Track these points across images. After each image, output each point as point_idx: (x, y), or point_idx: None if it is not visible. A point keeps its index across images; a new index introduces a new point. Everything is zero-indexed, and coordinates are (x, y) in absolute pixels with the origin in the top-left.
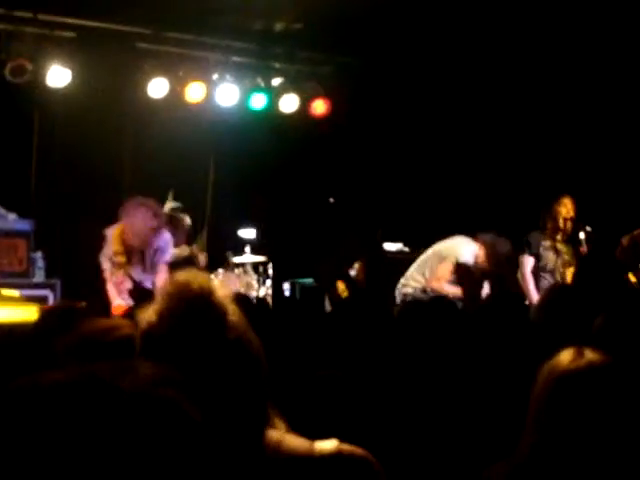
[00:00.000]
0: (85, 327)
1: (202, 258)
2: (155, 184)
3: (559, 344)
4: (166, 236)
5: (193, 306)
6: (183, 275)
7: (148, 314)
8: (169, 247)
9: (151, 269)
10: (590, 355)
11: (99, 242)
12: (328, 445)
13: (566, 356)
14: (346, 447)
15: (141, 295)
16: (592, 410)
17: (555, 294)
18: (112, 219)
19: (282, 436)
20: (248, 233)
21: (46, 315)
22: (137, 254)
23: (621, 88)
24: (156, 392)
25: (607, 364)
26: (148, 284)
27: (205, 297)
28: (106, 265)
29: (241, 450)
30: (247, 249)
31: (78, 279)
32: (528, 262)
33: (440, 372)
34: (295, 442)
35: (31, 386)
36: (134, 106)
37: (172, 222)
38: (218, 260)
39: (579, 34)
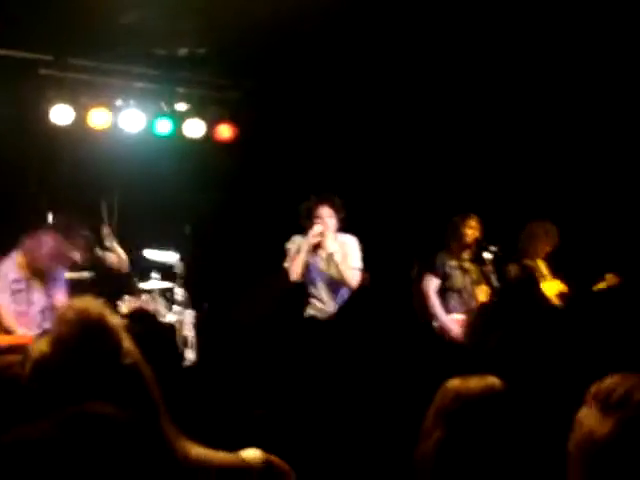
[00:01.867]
0: None
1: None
2: (59, 212)
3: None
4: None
5: (88, 333)
6: (79, 302)
7: (40, 344)
8: (63, 274)
9: (52, 296)
10: (492, 381)
11: None
12: (255, 455)
13: (472, 381)
14: (272, 457)
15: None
16: (496, 436)
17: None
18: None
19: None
20: (154, 255)
21: None
22: (37, 281)
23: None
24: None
25: (508, 390)
26: (49, 315)
27: (100, 323)
28: (3, 298)
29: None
30: (154, 275)
31: None
32: (432, 282)
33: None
34: (222, 455)
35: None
36: (39, 134)
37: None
38: (124, 286)
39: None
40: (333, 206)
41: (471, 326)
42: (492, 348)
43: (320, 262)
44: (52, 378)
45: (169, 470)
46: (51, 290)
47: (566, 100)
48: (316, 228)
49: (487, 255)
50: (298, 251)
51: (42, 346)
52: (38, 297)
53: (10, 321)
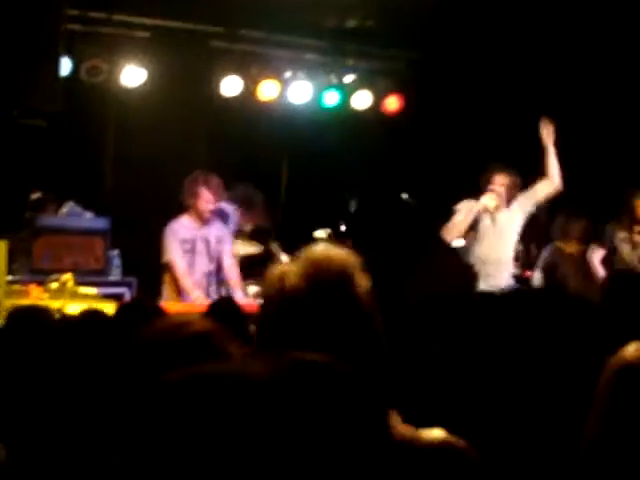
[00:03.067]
0: (160, 323)
1: (283, 258)
2: (230, 182)
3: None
4: (224, 228)
5: (337, 278)
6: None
7: (291, 278)
8: (228, 237)
9: (215, 260)
10: None
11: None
12: (434, 435)
13: (630, 348)
14: (453, 439)
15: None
16: None
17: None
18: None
19: (394, 421)
20: (322, 233)
21: (123, 310)
22: (202, 243)
23: None
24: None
25: None
26: (213, 281)
27: (347, 272)
28: (176, 255)
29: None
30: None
31: (154, 277)
32: (597, 253)
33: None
34: (403, 429)
35: (189, 378)
36: (208, 104)
37: (246, 201)
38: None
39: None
40: (510, 176)
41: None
42: None
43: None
44: (299, 313)
45: (381, 441)
46: (215, 253)
47: None
48: (490, 195)
49: None
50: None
51: (294, 280)
52: (202, 261)
53: (187, 282)
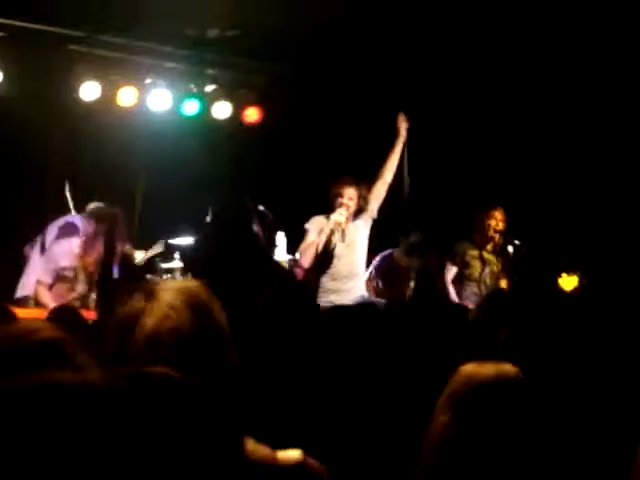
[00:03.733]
0: (6, 328)
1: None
2: (83, 190)
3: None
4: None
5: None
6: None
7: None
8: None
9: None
10: (505, 368)
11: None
12: (291, 456)
13: (487, 367)
14: (309, 460)
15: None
16: (502, 422)
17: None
18: (41, 227)
19: (251, 444)
20: (179, 241)
21: None
22: (85, 272)
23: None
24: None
25: (524, 378)
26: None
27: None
28: (45, 277)
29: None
30: (176, 255)
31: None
32: (450, 270)
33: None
34: (257, 448)
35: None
36: (65, 109)
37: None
38: (147, 267)
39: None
40: (358, 189)
41: (481, 312)
42: (503, 342)
43: (340, 248)
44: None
45: (232, 457)
46: (93, 289)
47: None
48: (340, 211)
49: (510, 249)
50: (318, 233)
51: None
52: (80, 287)
53: (46, 298)
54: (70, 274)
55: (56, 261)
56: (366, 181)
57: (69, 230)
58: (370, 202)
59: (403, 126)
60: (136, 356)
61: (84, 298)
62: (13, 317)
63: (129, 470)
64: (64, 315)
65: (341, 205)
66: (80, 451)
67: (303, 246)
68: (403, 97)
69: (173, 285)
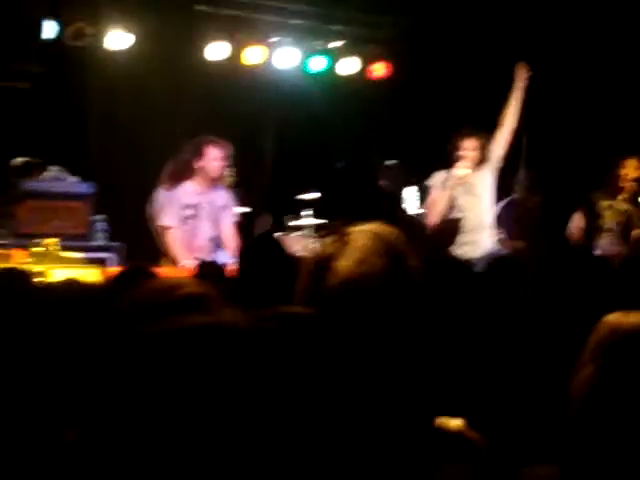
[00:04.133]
0: (149, 286)
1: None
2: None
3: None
4: (229, 194)
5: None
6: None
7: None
8: (232, 206)
9: (218, 227)
10: None
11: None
12: (453, 423)
13: (633, 316)
14: (470, 431)
15: (210, 273)
16: None
17: None
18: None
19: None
20: (310, 197)
21: (115, 276)
22: (207, 208)
23: None
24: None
25: None
26: (216, 245)
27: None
28: (172, 222)
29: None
30: (306, 212)
31: (140, 243)
32: (576, 219)
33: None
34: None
35: (163, 331)
36: (194, 69)
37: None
38: (277, 223)
39: None
40: (479, 139)
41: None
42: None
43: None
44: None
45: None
46: (219, 219)
47: None
48: (463, 163)
49: None
50: (441, 186)
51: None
52: (206, 225)
53: (177, 250)
54: (192, 212)
55: (178, 199)
56: (486, 131)
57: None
58: (494, 150)
59: (522, 73)
60: (329, 299)
61: (212, 241)
62: (152, 275)
63: (274, 411)
64: (209, 270)
65: (462, 158)
66: (223, 392)
67: (427, 203)
68: (524, 47)
69: (369, 228)
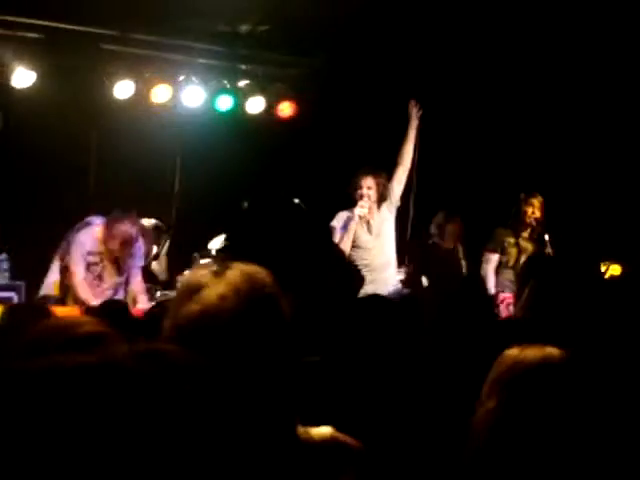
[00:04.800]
0: (47, 323)
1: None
2: (121, 187)
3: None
4: (139, 243)
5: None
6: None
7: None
8: (141, 252)
9: (123, 273)
10: (550, 351)
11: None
12: (324, 431)
13: (532, 350)
14: (341, 435)
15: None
16: (549, 407)
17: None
18: (77, 222)
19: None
20: (215, 244)
21: (11, 312)
22: (111, 258)
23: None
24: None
25: (566, 359)
26: (121, 291)
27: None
28: (77, 267)
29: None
30: (213, 249)
31: (43, 281)
32: (493, 259)
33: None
34: (301, 430)
35: (52, 369)
36: (100, 108)
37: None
38: (185, 262)
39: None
40: (376, 177)
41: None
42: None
43: (370, 240)
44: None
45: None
46: (125, 267)
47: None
48: (361, 204)
49: (547, 237)
50: (343, 227)
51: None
52: (111, 273)
53: (85, 292)
54: (96, 259)
55: (83, 245)
56: (383, 170)
57: (90, 223)
58: (393, 189)
59: (414, 112)
60: (187, 324)
61: (117, 286)
62: (50, 314)
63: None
64: (110, 310)
65: (362, 197)
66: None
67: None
68: (428, 87)
69: (244, 268)
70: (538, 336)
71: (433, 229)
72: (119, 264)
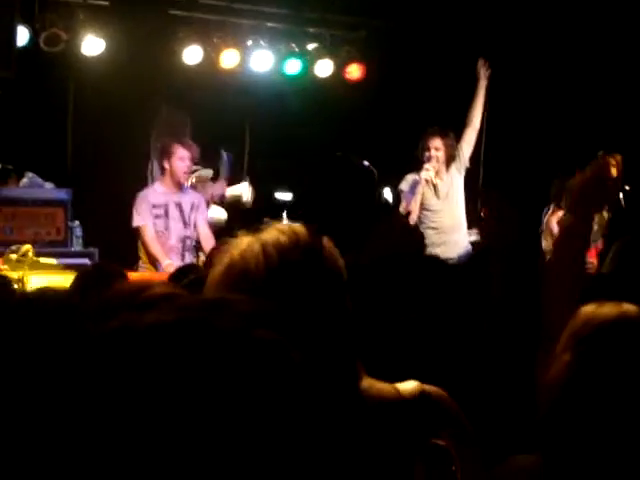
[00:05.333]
0: (118, 286)
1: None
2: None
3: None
4: (199, 194)
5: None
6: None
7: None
8: (204, 205)
9: (189, 227)
10: (626, 307)
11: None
12: (411, 387)
13: (608, 307)
14: (428, 387)
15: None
16: (624, 362)
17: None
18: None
19: (368, 381)
20: (285, 197)
21: (83, 274)
22: (176, 208)
23: None
24: (255, 333)
25: None
26: (189, 245)
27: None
28: (145, 221)
29: (340, 396)
30: (284, 213)
31: (117, 247)
32: (555, 213)
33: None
34: (380, 386)
35: (124, 329)
36: (169, 73)
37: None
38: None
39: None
40: (443, 138)
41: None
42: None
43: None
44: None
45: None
46: (190, 219)
47: None
48: (427, 167)
49: (621, 195)
50: (411, 191)
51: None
52: (176, 225)
53: (156, 249)
54: (161, 212)
55: (147, 199)
56: (452, 130)
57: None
58: (461, 149)
59: (483, 71)
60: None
61: (185, 239)
62: (122, 275)
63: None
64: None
65: (429, 158)
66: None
67: (401, 209)
68: (495, 45)
69: (278, 226)
70: (619, 293)
71: None
72: (184, 215)
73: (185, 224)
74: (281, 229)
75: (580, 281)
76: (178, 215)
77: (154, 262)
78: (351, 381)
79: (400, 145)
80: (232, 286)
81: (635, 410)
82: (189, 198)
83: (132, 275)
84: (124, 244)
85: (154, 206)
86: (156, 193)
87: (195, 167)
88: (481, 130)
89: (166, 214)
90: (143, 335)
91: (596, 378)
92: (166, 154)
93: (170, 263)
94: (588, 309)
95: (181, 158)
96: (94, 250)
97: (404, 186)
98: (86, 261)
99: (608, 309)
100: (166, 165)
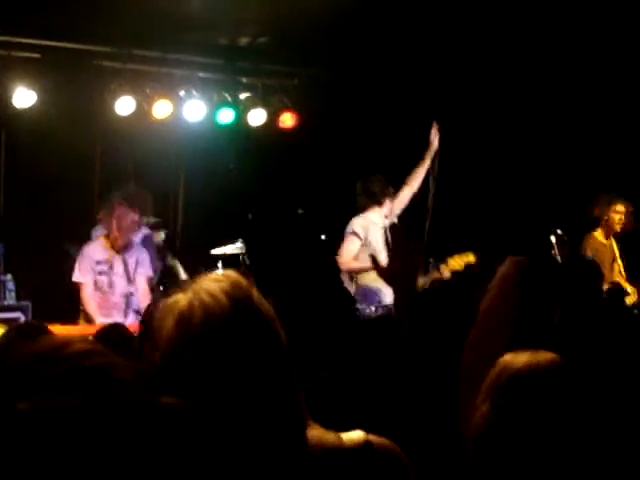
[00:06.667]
0: (39, 343)
1: (180, 270)
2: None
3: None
4: (144, 250)
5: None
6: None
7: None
8: (147, 261)
9: (135, 282)
10: (541, 356)
11: (68, 264)
12: (356, 436)
13: (523, 356)
14: (374, 438)
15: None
16: (541, 413)
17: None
18: (82, 242)
19: (314, 429)
20: (221, 250)
21: (8, 332)
22: (121, 264)
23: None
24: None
25: (560, 366)
26: (133, 301)
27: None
28: (84, 278)
29: (281, 446)
30: (219, 264)
31: (49, 301)
32: None
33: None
34: (324, 435)
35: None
36: (101, 125)
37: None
38: (190, 276)
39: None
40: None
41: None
42: (554, 327)
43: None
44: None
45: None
46: (135, 276)
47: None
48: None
49: (552, 238)
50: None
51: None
52: (120, 281)
53: (91, 307)
54: (105, 268)
55: (90, 256)
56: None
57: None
58: (395, 209)
59: (435, 136)
60: (166, 340)
61: (128, 295)
62: (47, 332)
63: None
64: (111, 334)
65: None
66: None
67: (346, 257)
68: (433, 102)
69: (211, 275)
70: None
71: None
72: (128, 272)
73: (129, 280)
74: (216, 279)
75: (507, 330)
76: (122, 271)
77: (89, 319)
78: (295, 430)
79: (333, 193)
80: (187, 339)
81: (549, 455)
82: (134, 254)
83: (56, 329)
84: (58, 297)
85: (98, 262)
86: (101, 248)
87: (146, 219)
88: (428, 193)
89: (111, 269)
90: (51, 418)
91: (511, 427)
92: (112, 212)
93: (102, 323)
94: (506, 358)
95: (127, 217)
96: (27, 303)
97: (358, 229)
98: (19, 315)
99: (522, 358)
100: (113, 222)
